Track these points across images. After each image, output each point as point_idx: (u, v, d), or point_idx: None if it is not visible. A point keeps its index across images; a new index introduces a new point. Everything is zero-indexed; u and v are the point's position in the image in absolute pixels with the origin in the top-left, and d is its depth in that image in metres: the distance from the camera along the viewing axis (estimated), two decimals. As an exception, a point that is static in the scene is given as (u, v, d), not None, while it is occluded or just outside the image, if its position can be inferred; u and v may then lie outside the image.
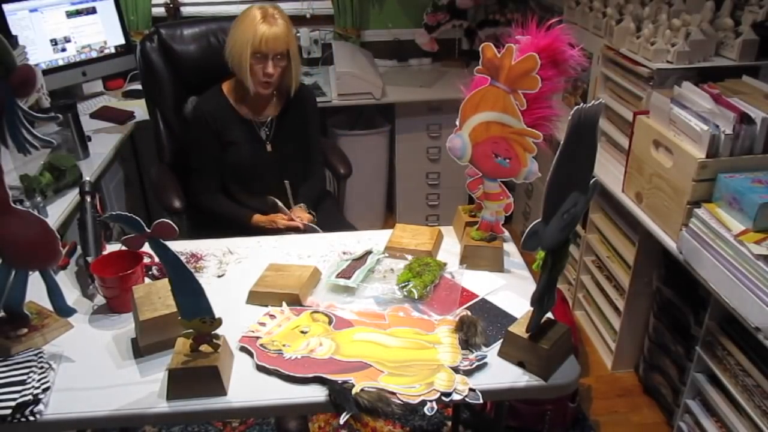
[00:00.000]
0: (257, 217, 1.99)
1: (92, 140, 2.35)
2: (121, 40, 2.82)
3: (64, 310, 1.26)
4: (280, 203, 1.99)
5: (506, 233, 1.54)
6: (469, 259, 1.49)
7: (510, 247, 1.55)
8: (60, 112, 2.14)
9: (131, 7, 3.02)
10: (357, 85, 2.84)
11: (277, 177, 2.06)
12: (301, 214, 1.99)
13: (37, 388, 1.11)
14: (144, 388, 1.14)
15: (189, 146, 2.08)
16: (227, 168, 2.03)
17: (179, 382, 1.11)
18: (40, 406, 1.08)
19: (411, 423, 2.10)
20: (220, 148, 2.00)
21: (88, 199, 1.50)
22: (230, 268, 1.52)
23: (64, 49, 2.64)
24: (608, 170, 2.18)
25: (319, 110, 2.18)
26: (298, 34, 3.24)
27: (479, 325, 1.24)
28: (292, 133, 2.07)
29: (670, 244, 1.73)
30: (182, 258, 1.06)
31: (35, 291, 1.28)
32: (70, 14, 2.64)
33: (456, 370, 1.15)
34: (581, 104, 0.97)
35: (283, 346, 1.21)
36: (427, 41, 3.32)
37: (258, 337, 1.24)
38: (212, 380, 1.11)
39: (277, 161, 2.05)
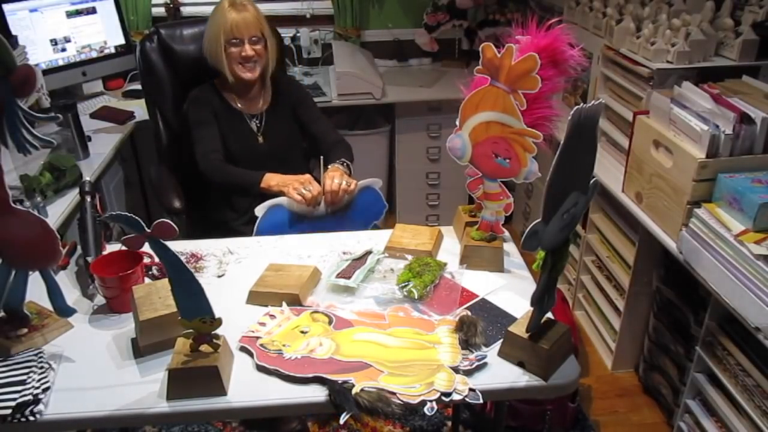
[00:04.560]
0: (270, 177, 1.83)
1: (92, 140, 2.35)
2: (121, 40, 2.82)
3: (64, 310, 1.26)
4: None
5: (506, 233, 1.54)
6: (469, 259, 1.49)
7: (510, 247, 1.55)
8: (60, 112, 2.14)
9: (131, 7, 3.02)
10: (357, 85, 2.84)
11: (272, 169, 2.01)
12: (332, 178, 1.78)
13: (37, 388, 1.11)
14: (144, 388, 1.14)
15: (190, 126, 2.00)
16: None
17: (179, 382, 1.11)
18: (40, 406, 1.08)
19: (411, 423, 2.10)
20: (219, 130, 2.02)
21: (88, 199, 1.50)
22: (230, 268, 1.52)
23: (64, 49, 2.63)
24: (608, 170, 2.18)
25: (309, 93, 2.22)
26: (299, 34, 3.24)
27: (479, 325, 1.24)
28: (283, 125, 2.10)
29: (670, 244, 1.73)
30: (182, 258, 1.06)
31: (35, 291, 1.28)
32: (70, 14, 2.64)
33: (456, 370, 1.15)
34: (581, 104, 0.97)
35: (283, 346, 1.21)
36: (427, 41, 3.32)
37: (258, 337, 1.24)
38: (212, 380, 1.11)
39: (268, 153, 2.06)
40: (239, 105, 2.06)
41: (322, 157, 1.89)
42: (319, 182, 1.80)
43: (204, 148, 1.97)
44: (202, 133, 2.00)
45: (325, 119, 2.18)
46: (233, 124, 2.04)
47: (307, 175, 1.83)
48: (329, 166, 1.90)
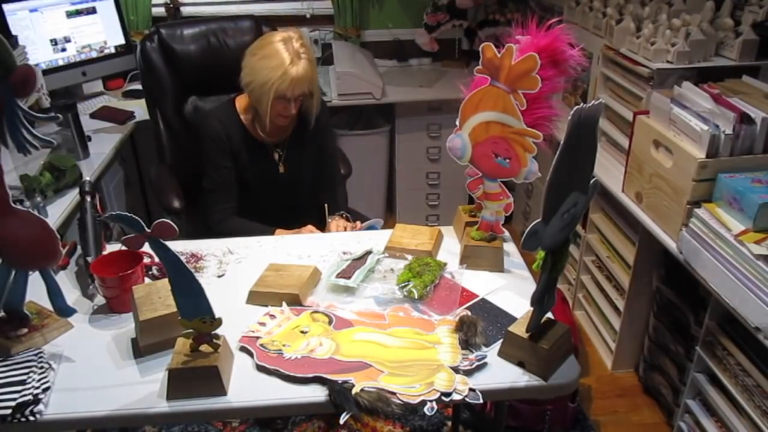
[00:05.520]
0: (280, 233, 1.85)
1: (92, 140, 2.35)
2: (121, 40, 2.81)
3: (64, 310, 1.26)
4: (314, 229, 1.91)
5: (506, 233, 1.54)
6: (469, 259, 1.49)
7: (510, 247, 1.55)
8: (60, 112, 2.14)
9: (131, 7, 3.02)
10: (357, 85, 2.84)
11: (289, 196, 2.03)
12: (338, 227, 1.88)
13: (37, 388, 1.11)
14: (144, 388, 1.14)
15: (204, 165, 1.96)
16: (239, 187, 1.97)
17: (179, 382, 1.11)
18: (40, 406, 1.09)
19: (411, 423, 2.10)
20: (235, 168, 1.94)
21: (88, 199, 1.50)
22: (230, 268, 1.52)
23: (64, 49, 2.63)
24: (608, 170, 2.18)
25: (331, 123, 2.12)
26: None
27: (479, 325, 1.24)
28: (305, 152, 2.02)
29: (670, 244, 1.73)
30: (182, 258, 1.06)
31: (35, 291, 1.28)
32: (70, 14, 2.64)
33: (456, 370, 1.15)
34: (581, 104, 0.97)
35: (283, 346, 1.21)
36: (427, 41, 3.32)
37: (258, 337, 1.24)
38: (212, 380, 1.11)
39: (288, 181, 2.01)
40: (263, 135, 1.95)
41: (326, 205, 1.93)
42: (321, 229, 1.88)
43: (217, 205, 1.93)
44: (219, 182, 1.93)
45: (334, 158, 2.14)
46: (254, 156, 1.95)
47: (310, 226, 1.87)
48: (331, 218, 1.94)
